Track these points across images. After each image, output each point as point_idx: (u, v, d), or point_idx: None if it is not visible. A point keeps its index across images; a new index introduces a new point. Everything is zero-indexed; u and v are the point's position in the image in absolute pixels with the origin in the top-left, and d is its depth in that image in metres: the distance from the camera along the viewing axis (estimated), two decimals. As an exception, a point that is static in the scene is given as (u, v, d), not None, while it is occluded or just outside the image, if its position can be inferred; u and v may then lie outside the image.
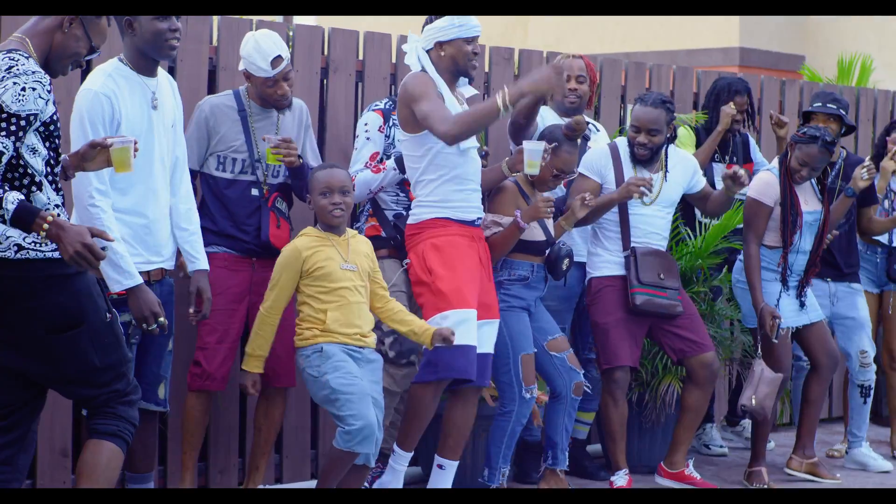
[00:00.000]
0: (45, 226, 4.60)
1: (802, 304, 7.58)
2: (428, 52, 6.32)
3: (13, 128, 4.65)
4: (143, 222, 5.65)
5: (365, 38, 7.36)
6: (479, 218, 6.42)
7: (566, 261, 6.74)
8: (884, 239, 8.57)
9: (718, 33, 21.36)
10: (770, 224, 7.46)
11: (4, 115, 4.64)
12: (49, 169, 4.85)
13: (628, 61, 8.71)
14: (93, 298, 4.89)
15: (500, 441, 6.64)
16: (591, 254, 7.29)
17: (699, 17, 21.45)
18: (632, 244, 7.15)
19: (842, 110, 7.91)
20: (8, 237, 4.73)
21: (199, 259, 5.93)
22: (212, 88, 6.80)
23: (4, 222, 4.63)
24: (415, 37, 6.41)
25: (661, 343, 7.29)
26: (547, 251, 6.74)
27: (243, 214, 6.37)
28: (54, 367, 4.91)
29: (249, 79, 6.38)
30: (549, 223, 6.79)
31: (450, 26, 6.30)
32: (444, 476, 6.47)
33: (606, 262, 7.21)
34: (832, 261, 8.16)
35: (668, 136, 7.27)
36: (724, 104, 8.20)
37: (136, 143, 5.07)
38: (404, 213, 6.63)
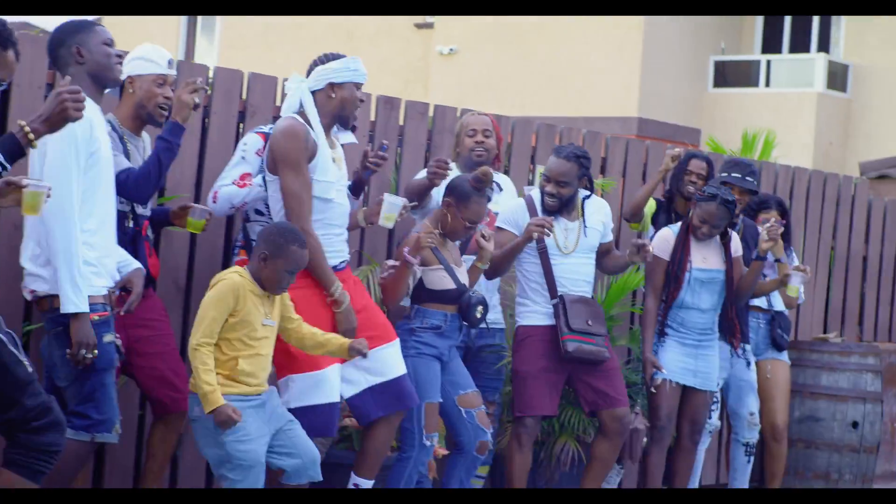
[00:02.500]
0: (27, 129, 4.81)
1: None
2: (314, 93, 6.28)
3: None
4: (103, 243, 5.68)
5: (283, 84, 7.37)
6: (344, 261, 6.39)
7: (479, 308, 6.75)
8: (763, 304, 8.71)
9: (617, 103, 21.74)
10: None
11: None
12: None
13: (540, 123, 8.82)
14: None
15: (398, 486, 6.64)
16: (519, 304, 7.38)
17: (599, 86, 21.81)
18: (559, 293, 7.24)
19: (755, 182, 8.12)
20: None
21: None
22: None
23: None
24: (298, 76, 6.38)
25: (577, 393, 7.37)
26: (459, 300, 6.77)
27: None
28: None
29: (133, 84, 6.20)
30: (461, 272, 6.82)
31: (345, 69, 6.32)
32: None
33: (533, 311, 7.30)
34: (741, 318, 8.27)
35: (586, 188, 7.40)
36: (679, 167, 8.31)
37: (49, 189, 4.99)
38: None
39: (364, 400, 6.35)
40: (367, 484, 6.42)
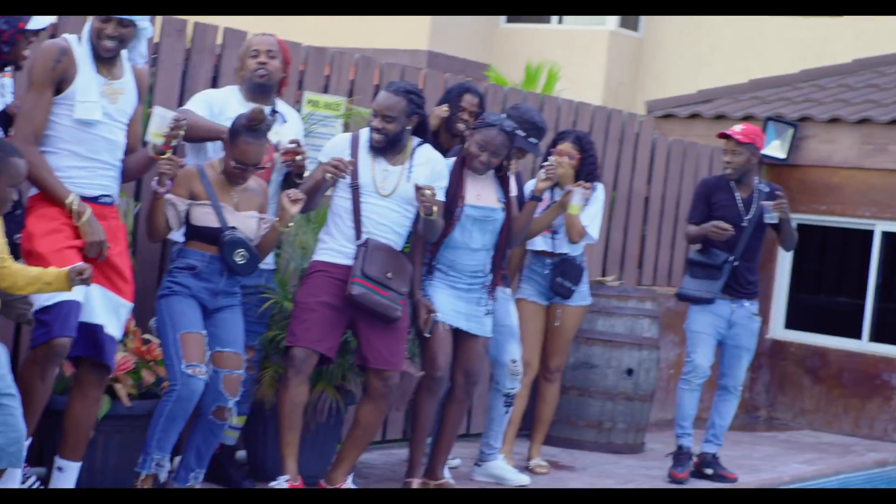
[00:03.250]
0: None
1: (488, 312, 7.28)
2: None
3: None
4: None
5: None
6: (106, 195, 5.96)
7: (239, 251, 6.27)
8: (549, 248, 8.36)
9: (408, 35, 21.23)
10: None
11: None
12: None
13: (309, 46, 8.25)
14: None
15: (156, 423, 6.12)
16: (320, 240, 6.96)
17: (391, 18, 21.24)
18: (365, 235, 6.81)
19: (537, 145, 7.66)
20: None
21: None
22: None
23: None
24: None
25: (357, 342, 6.93)
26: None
27: None
28: None
29: None
30: (238, 216, 6.34)
31: None
32: (64, 478, 5.94)
33: (331, 249, 6.87)
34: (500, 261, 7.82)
35: (419, 134, 6.99)
36: (451, 103, 7.83)
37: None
38: None
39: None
40: (72, 466, 5.96)
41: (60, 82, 5.86)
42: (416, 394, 7.15)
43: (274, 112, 7.01)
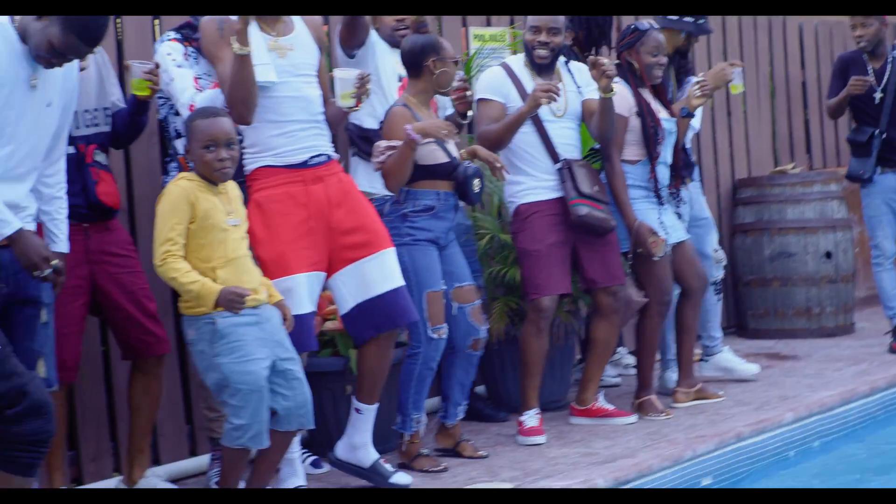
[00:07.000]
0: None
1: (679, 216, 7.30)
2: None
3: None
4: None
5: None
6: (317, 156, 5.68)
7: (476, 181, 6.14)
8: None
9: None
10: (628, 137, 7.02)
11: None
12: None
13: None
14: None
15: (408, 386, 6.12)
16: (512, 183, 6.80)
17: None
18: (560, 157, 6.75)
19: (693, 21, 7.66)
20: None
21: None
22: None
23: None
24: None
25: (577, 269, 6.88)
26: (453, 174, 6.16)
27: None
28: None
29: None
30: (452, 146, 6.19)
31: None
32: (363, 420, 5.88)
33: (533, 188, 6.77)
34: (687, 160, 7.76)
35: (568, 44, 6.90)
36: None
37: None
38: None
39: (353, 318, 5.78)
40: (367, 409, 5.88)
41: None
42: (642, 318, 7.14)
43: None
